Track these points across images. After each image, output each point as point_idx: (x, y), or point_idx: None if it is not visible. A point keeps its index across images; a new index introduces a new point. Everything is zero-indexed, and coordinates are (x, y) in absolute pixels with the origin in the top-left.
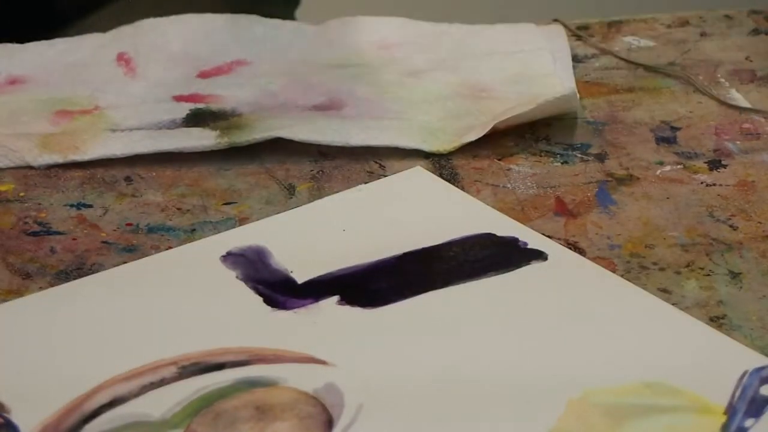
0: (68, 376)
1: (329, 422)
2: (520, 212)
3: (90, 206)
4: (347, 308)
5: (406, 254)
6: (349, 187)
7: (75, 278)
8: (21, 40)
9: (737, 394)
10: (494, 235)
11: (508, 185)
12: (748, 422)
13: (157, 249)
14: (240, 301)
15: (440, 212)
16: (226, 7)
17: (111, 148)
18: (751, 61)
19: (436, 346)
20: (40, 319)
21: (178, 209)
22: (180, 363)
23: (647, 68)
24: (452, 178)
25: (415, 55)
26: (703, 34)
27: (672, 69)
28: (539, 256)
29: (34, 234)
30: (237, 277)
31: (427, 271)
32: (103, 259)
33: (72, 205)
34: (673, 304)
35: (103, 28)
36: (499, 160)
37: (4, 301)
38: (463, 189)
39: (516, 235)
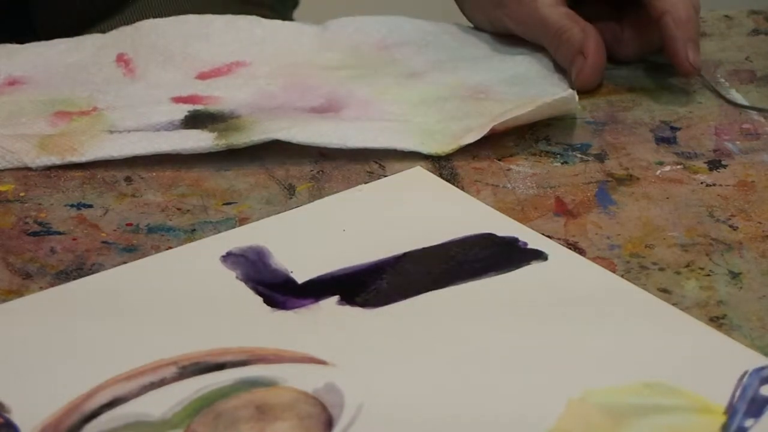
0: (68, 376)
1: (329, 422)
2: (520, 212)
3: (90, 206)
4: (347, 308)
5: (406, 254)
6: (349, 187)
7: (75, 278)
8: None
9: (737, 394)
10: (494, 235)
11: (508, 185)
12: (748, 422)
13: (157, 249)
14: (240, 301)
15: (440, 212)
16: (226, 8)
17: (109, 150)
18: (751, 61)
19: (436, 346)
20: (40, 319)
21: (178, 209)
22: (180, 363)
23: (647, 68)
24: (452, 179)
25: (414, 56)
26: (703, 34)
27: (672, 69)
28: (539, 256)
29: (34, 234)
30: (237, 277)
31: (427, 271)
32: (103, 259)
33: (72, 205)
34: (673, 304)
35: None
36: (499, 160)
37: (4, 301)
38: (463, 189)
39: (516, 235)
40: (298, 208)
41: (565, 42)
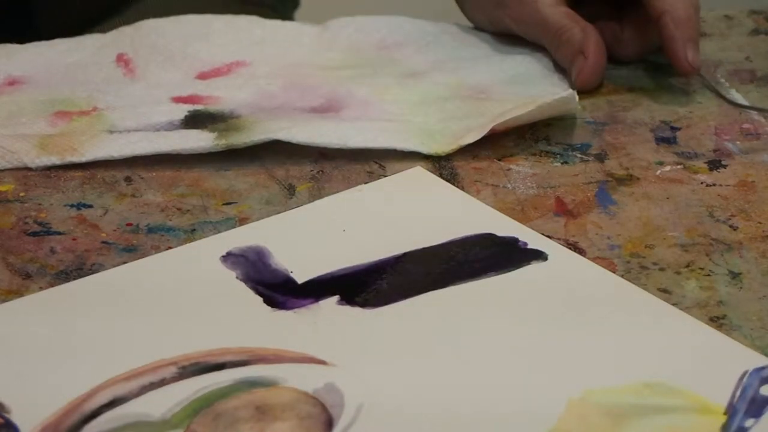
0: (68, 376)
1: (329, 422)
2: (520, 212)
3: (90, 206)
4: (347, 308)
5: (406, 254)
6: (349, 187)
7: (75, 278)
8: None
9: (737, 394)
10: (494, 235)
11: (508, 185)
12: (749, 422)
13: (157, 249)
14: (240, 301)
15: (440, 212)
16: (226, 8)
17: (108, 150)
18: (751, 61)
19: (435, 346)
20: (40, 319)
21: (178, 209)
22: (180, 363)
23: (647, 68)
24: (452, 178)
25: (414, 56)
26: (703, 34)
27: (672, 69)
28: (539, 256)
29: (34, 234)
30: (237, 277)
31: (427, 271)
32: (103, 259)
33: (72, 205)
34: (673, 305)
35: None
36: (499, 160)
37: (4, 301)
38: (463, 189)
39: (516, 235)
40: (298, 208)
41: (566, 42)
